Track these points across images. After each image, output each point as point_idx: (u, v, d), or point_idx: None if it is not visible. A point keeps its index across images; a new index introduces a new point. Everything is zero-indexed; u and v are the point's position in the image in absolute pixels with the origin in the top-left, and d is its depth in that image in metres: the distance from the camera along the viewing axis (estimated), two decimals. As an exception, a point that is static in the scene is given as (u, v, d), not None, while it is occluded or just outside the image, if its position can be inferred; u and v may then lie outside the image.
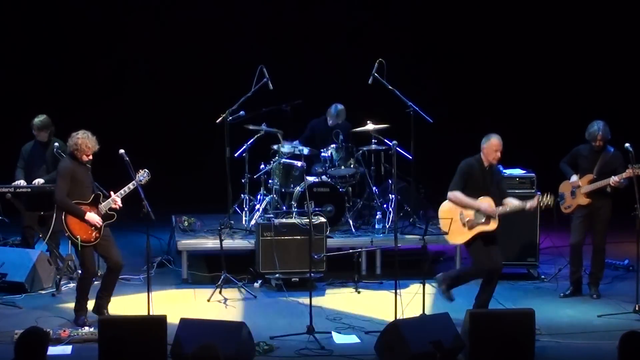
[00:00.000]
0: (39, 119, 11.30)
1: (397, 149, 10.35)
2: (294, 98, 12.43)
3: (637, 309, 10.03)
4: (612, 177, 10.44)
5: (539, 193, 9.93)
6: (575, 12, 15.08)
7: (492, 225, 9.63)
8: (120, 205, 9.64)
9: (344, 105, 12.36)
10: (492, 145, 9.69)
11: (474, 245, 9.74)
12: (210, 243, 11.54)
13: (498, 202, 9.69)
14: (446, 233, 9.76)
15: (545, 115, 15.14)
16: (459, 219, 9.71)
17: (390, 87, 12.05)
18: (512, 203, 9.70)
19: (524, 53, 15.24)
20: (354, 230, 11.89)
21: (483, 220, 9.65)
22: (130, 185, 9.63)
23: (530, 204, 9.65)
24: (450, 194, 9.76)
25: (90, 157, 9.61)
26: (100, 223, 9.57)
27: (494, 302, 10.45)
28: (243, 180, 12.11)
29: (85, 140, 9.55)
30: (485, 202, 9.64)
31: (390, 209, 11.92)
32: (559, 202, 10.90)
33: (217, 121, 12.05)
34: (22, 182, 11.23)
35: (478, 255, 9.73)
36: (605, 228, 10.72)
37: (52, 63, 14.62)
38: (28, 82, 14.50)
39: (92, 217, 9.55)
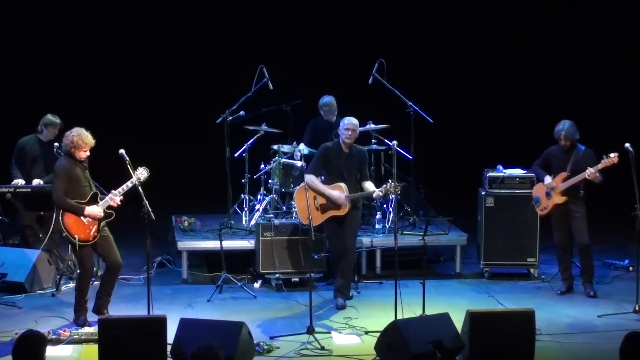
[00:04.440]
0: (54, 116, 11.31)
1: (397, 149, 10.36)
2: (294, 98, 12.44)
3: (637, 309, 10.03)
4: (588, 169, 10.47)
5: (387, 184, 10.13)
6: (576, 12, 15.08)
7: (343, 210, 10.24)
8: (119, 203, 9.61)
9: (334, 98, 12.35)
10: (342, 125, 10.40)
11: (327, 228, 10.46)
12: (210, 243, 11.54)
13: (356, 187, 10.32)
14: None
15: (546, 114, 15.13)
16: (312, 202, 10.22)
17: (390, 87, 12.06)
18: (367, 189, 10.28)
19: (524, 53, 15.23)
20: (354, 230, 11.87)
21: (335, 205, 10.28)
22: (129, 183, 9.57)
23: (377, 192, 10.16)
24: (306, 177, 10.38)
25: (88, 153, 9.59)
26: (101, 214, 9.54)
27: (493, 302, 10.50)
28: (243, 180, 12.11)
29: (80, 137, 9.51)
30: (337, 191, 10.24)
31: (390, 209, 11.91)
32: (534, 205, 10.97)
33: (217, 121, 12.06)
34: (20, 181, 11.23)
35: (330, 237, 10.46)
36: (584, 225, 10.74)
37: (52, 61, 14.62)
38: (27, 80, 14.50)
39: (92, 209, 9.50)
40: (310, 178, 10.35)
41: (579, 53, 15.15)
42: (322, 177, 10.55)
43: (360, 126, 12.25)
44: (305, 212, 10.14)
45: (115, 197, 9.58)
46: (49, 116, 11.36)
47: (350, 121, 10.41)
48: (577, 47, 15.14)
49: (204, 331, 8.41)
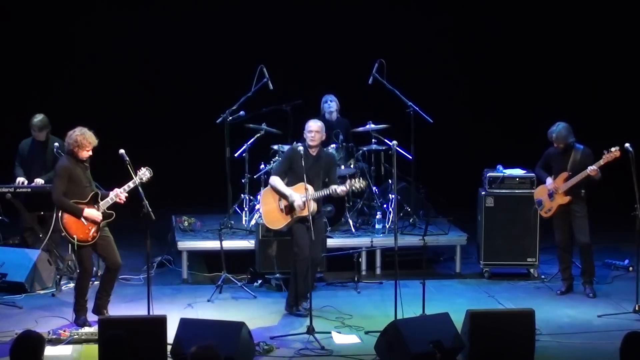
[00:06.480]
0: (38, 118, 11.22)
1: (397, 149, 10.33)
2: (294, 98, 12.44)
3: (637, 309, 10.03)
4: (589, 167, 10.47)
5: (349, 181, 10.00)
6: (575, 12, 15.07)
7: (306, 211, 9.67)
8: (124, 199, 9.58)
9: (337, 99, 12.34)
10: (306, 127, 10.02)
11: (294, 229, 9.92)
12: (210, 243, 11.53)
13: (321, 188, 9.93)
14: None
15: (546, 114, 15.12)
16: (277, 204, 9.96)
17: (390, 87, 12.06)
18: (331, 189, 9.83)
19: (525, 53, 15.22)
20: (354, 230, 11.88)
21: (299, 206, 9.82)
22: (130, 184, 9.55)
23: (340, 188, 9.81)
24: (270, 179, 10.10)
25: (90, 152, 9.58)
26: (100, 218, 9.53)
27: (493, 302, 10.50)
28: (243, 180, 12.11)
29: (84, 136, 9.51)
30: (297, 193, 9.78)
31: (390, 209, 11.91)
32: (537, 208, 10.96)
33: (217, 121, 12.06)
34: (22, 180, 11.22)
35: (297, 241, 9.86)
36: (585, 225, 10.73)
37: (52, 60, 14.61)
38: (26, 79, 14.49)
39: (91, 212, 9.50)
40: (272, 179, 10.04)
41: (579, 53, 15.14)
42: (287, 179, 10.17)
43: (360, 126, 12.33)
44: (271, 216, 10.03)
45: (120, 194, 9.56)
46: (34, 121, 11.23)
47: (314, 123, 10.05)
48: (577, 47, 15.13)
49: (204, 331, 8.41)
